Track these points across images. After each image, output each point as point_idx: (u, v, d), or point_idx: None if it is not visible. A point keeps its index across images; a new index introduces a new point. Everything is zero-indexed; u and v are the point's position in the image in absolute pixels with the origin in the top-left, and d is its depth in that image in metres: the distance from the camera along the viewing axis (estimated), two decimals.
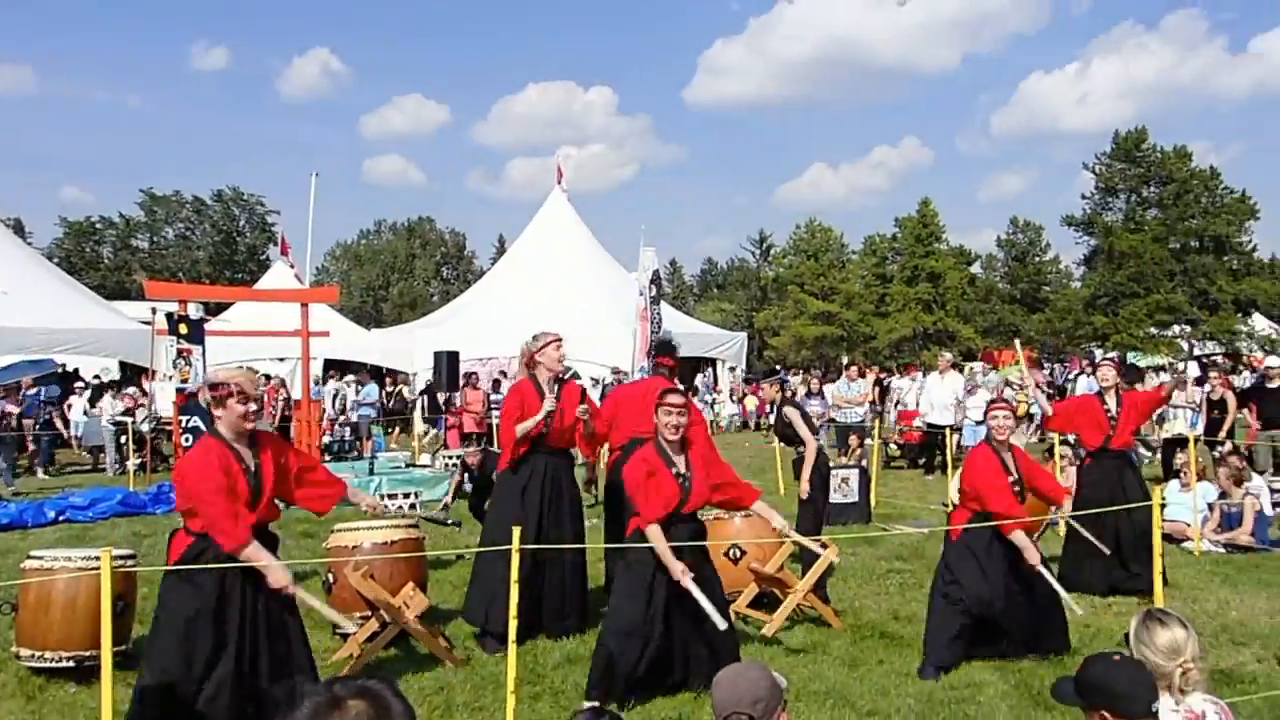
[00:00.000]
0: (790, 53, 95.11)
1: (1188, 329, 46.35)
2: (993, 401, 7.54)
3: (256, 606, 5.01)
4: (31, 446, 18.68)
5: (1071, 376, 26.88)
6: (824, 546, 7.16)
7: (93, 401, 19.35)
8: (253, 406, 5.06)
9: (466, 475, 11.38)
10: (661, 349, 9.01)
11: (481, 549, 7.00)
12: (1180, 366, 28.93)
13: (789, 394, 8.75)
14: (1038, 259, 62.05)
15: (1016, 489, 6.64)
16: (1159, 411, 15.61)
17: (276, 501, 5.29)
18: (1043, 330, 51.11)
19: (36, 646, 6.20)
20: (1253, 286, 48.94)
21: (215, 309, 25.53)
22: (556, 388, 7.19)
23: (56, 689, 6.17)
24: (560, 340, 7.29)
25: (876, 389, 21.82)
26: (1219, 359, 38.73)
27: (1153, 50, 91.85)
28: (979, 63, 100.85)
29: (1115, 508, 8.09)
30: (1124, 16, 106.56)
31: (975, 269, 59.09)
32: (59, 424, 19.36)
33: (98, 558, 5.86)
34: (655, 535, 5.68)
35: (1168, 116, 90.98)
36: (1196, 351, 44.35)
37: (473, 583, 7.18)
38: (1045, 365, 30.54)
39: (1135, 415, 8.85)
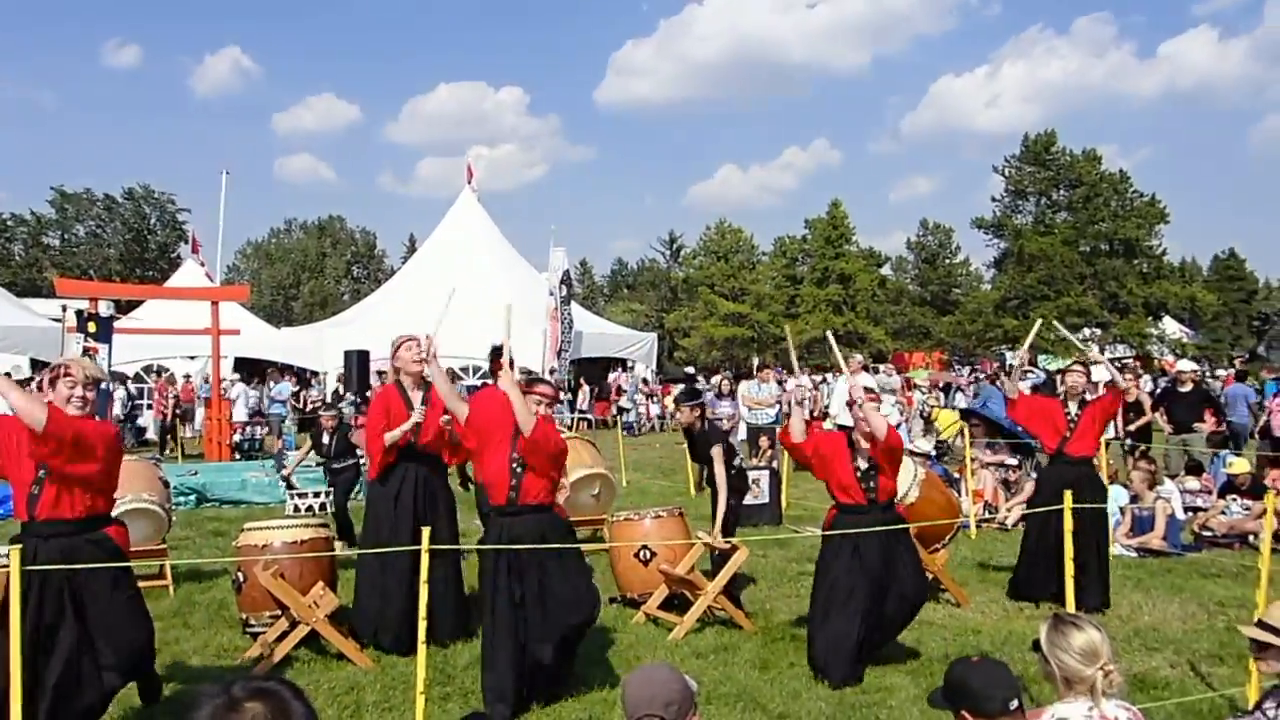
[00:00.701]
0: (701, 53, 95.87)
1: (1098, 332, 46.84)
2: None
3: (81, 601, 4.94)
4: None
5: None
6: (733, 548, 7.29)
7: None
8: (79, 392, 4.94)
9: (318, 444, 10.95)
10: (496, 353, 9.05)
11: (361, 552, 7.03)
12: (1124, 364, 29.31)
13: (708, 423, 8.58)
14: (948, 261, 62.88)
15: (859, 475, 6.49)
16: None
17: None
18: (953, 333, 51.76)
19: None
20: (1163, 290, 49.52)
21: (126, 307, 25.09)
22: (422, 393, 7.12)
23: None
24: (414, 341, 7.12)
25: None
26: (1130, 362, 39.48)
27: (1062, 54, 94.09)
28: (888, 64, 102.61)
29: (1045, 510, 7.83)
30: (1034, 20, 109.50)
31: (886, 271, 59.98)
32: None
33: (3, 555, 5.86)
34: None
35: (1077, 120, 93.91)
36: (1107, 355, 45.20)
37: (357, 600, 7.05)
38: (955, 368, 31.11)
39: (1095, 422, 8.55)
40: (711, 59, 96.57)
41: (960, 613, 7.98)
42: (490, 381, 9.43)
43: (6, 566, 5.78)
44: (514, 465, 5.85)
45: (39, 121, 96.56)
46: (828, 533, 6.57)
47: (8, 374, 4.93)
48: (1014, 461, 12.67)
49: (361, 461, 10.26)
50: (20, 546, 4.77)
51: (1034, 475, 12.57)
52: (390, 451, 7.02)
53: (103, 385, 5.39)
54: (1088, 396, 8.69)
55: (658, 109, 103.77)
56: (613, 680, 6.16)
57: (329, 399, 21.81)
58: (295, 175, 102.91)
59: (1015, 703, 3.12)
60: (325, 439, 10.70)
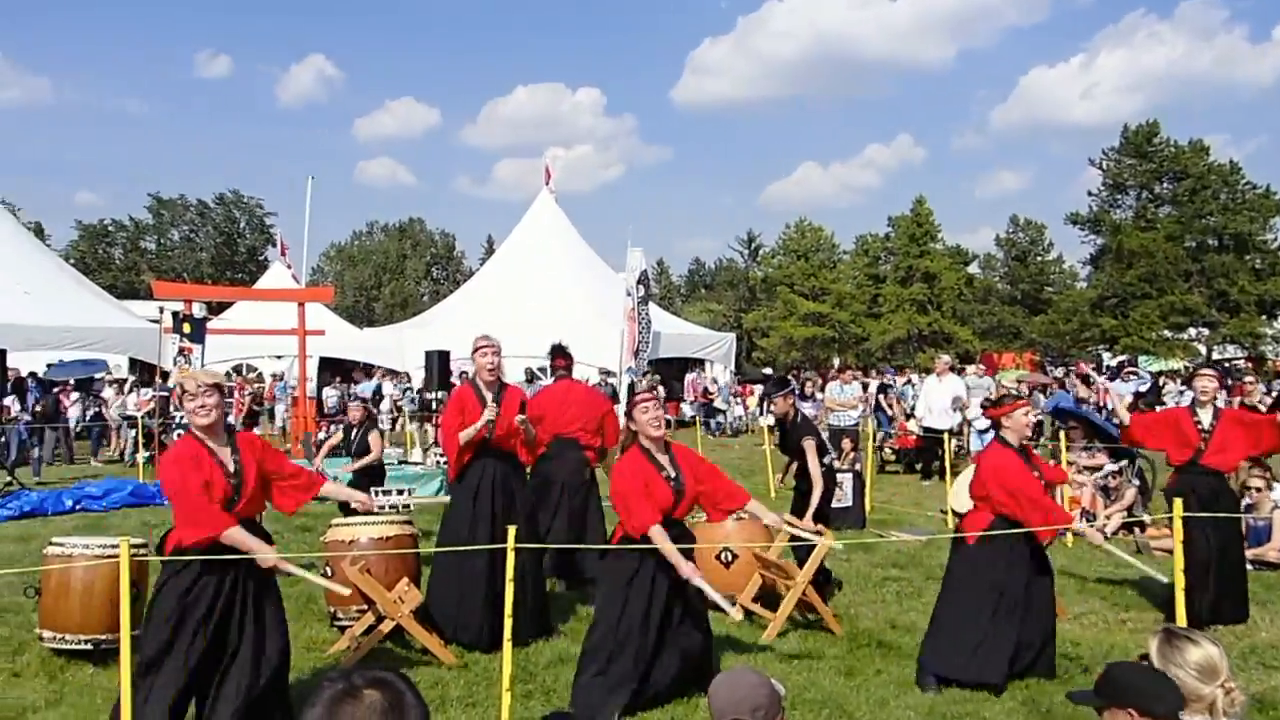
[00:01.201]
0: (780, 51, 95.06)
1: (1205, 332, 45.14)
2: (1016, 398, 6.96)
3: (246, 601, 5.13)
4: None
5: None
6: (820, 534, 7.21)
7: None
8: (198, 402, 5.08)
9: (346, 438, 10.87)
10: (555, 351, 9.30)
11: (439, 550, 7.09)
12: (1236, 367, 27.86)
13: (801, 414, 8.59)
14: (1040, 258, 60.74)
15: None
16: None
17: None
18: (1046, 333, 50.22)
19: (58, 629, 6.47)
20: (1279, 287, 46.92)
21: (217, 308, 25.79)
22: (496, 393, 7.17)
23: (76, 670, 6.41)
24: (491, 348, 7.19)
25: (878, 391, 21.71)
26: (1240, 364, 37.58)
27: (1165, 40, 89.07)
28: (975, 57, 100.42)
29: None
30: (1134, 6, 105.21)
31: (973, 269, 58.71)
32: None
33: (114, 546, 6.09)
34: (659, 536, 5.61)
35: (1181, 109, 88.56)
36: (1215, 355, 43.12)
37: (433, 598, 7.05)
38: (1048, 369, 30.28)
39: (1240, 437, 7.68)
40: (790, 56, 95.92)
41: (1058, 624, 7.77)
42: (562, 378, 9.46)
43: (113, 557, 5.99)
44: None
45: (136, 131, 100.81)
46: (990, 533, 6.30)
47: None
48: (1115, 467, 12.21)
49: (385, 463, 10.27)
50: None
51: (1136, 482, 12.22)
52: (467, 449, 7.08)
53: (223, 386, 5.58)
54: (1219, 404, 8.07)
55: (735, 107, 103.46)
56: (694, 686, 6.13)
57: (412, 398, 22.17)
58: (376, 179, 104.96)
59: (1183, 713, 2.95)
60: (352, 433, 10.66)
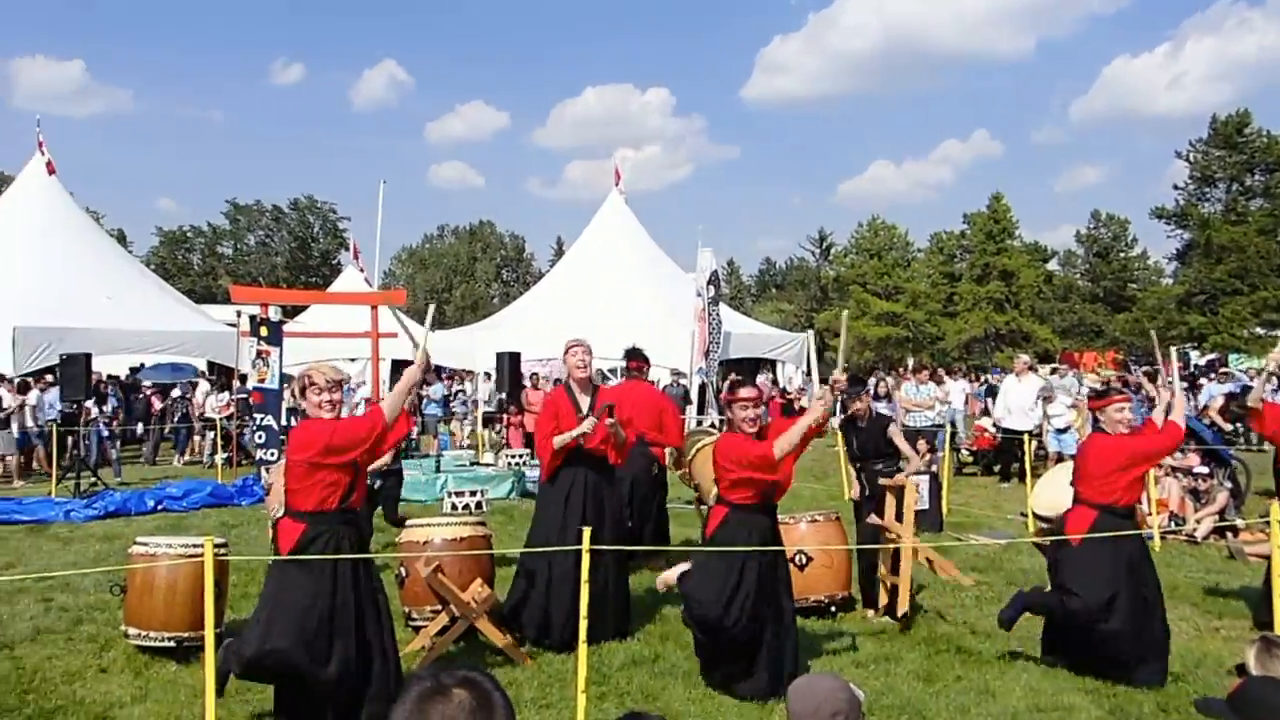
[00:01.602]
0: (851, 47, 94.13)
1: None
2: (1116, 392, 7.04)
3: (361, 589, 5.29)
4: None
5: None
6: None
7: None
8: (326, 397, 5.29)
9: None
10: (630, 354, 9.46)
11: (526, 551, 7.21)
12: None
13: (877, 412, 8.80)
14: (1123, 254, 59.56)
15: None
16: None
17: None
18: (1129, 331, 49.09)
19: (142, 626, 6.61)
20: None
21: (291, 311, 26.21)
22: (590, 396, 7.20)
23: (160, 666, 6.55)
24: (581, 347, 7.27)
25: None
26: None
27: (1257, 27, 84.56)
28: (1055, 48, 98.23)
29: None
30: None
31: (1052, 266, 57.69)
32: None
33: (197, 545, 6.25)
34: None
35: (1273, 98, 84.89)
36: None
37: (521, 600, 7.16)
38: (1132, 368, 29.49)
39: None
40: (862, 52, 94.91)
41: None
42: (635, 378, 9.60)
43: (195, 556, 6.15)
44: None
45: (213, 138, 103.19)
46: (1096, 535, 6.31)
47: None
48: (1204, 470, 11.80)
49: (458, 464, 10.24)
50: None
51: (1228, 484, 11.84)
52: (559, 454, 7.12)
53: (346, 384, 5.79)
54: None
55: (806, 105, 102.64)
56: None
57: (482, 399, 22.33)
58: (446, 182, 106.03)
59: None
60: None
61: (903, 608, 7.38)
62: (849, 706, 2.85)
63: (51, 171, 24.68)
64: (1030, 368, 16.97)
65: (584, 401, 7.18)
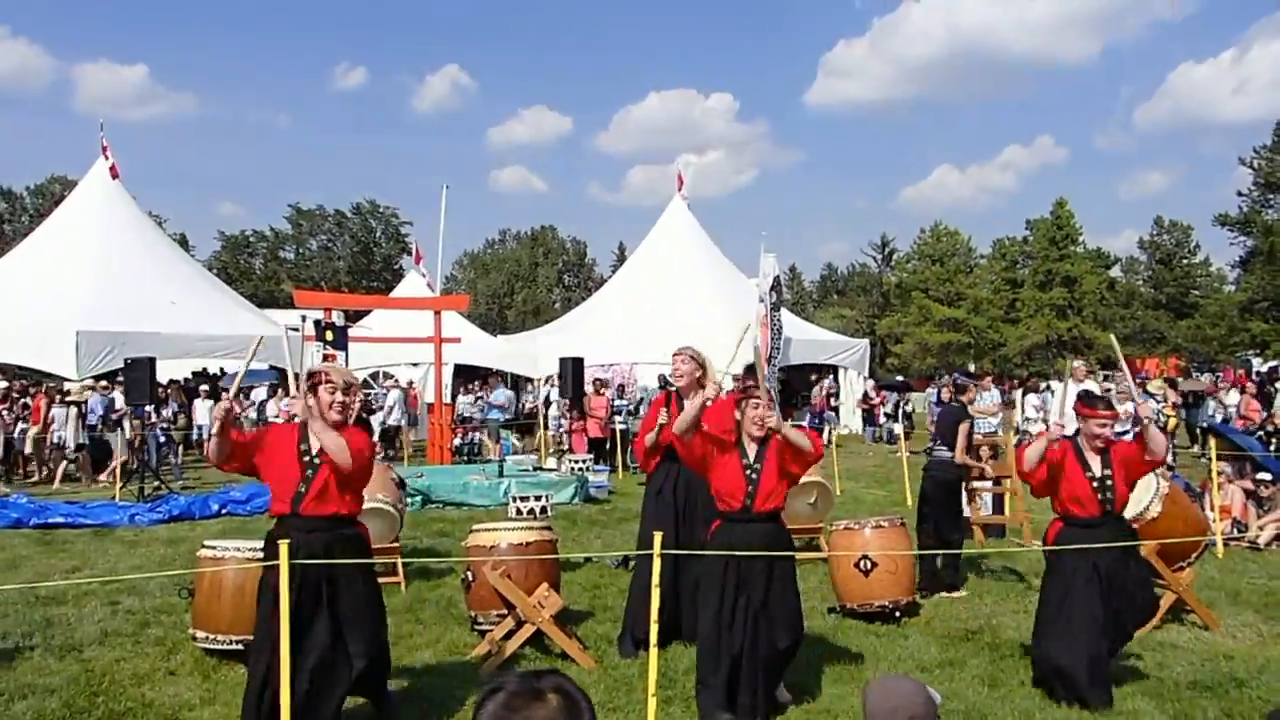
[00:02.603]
0: (916, 52, 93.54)
1: None
2: (1105, 407, 6.64)
3: (336, 592, 5.27)
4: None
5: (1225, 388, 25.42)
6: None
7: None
8: (339, 397, 5.28)
9: None
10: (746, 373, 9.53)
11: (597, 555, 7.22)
12: None
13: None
14: (1186, 261, 58.84)
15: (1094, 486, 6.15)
16: None
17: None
18: (1191, 338, 48.63)
19: (210, 629, 6.69)
20: None
21: (354, 316, 26.47)
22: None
23: (228, 669, 6.60)
24: (678, 353, 7.26)
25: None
26: None
27: None
28: (1120, 54, 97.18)
29: None
30: None
31: (1115, 272, 57.02)
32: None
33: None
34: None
35: None
36: None
37: (630, 601, 7.27)
38: (1196, 374, 29.04)
39: None
40: (927, 57, 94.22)
41: (1209, 636, 7.45)
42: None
43: (257, 559, 6.24)
44: (749, 472, 5.78)
45: (276, 143, 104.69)
46: (1058, 548, 6.17)
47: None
48: (1267, 476, 11.65)
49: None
50: (287, 540, 5.12)
51: None
52: (654, 452, 7.18)
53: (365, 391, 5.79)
54: None
55: (869, 110, 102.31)
56: (833, 693, 6.06)
57: (543, 405, 22.42)
58: (508, 187, 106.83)
59: None
60: None
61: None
62: (925, 711, 2.81)
63: (115, 176, 24.87)
64: (1090, 373, 16.64)
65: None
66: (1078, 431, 6.46)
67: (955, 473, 9.12)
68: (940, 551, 8.66)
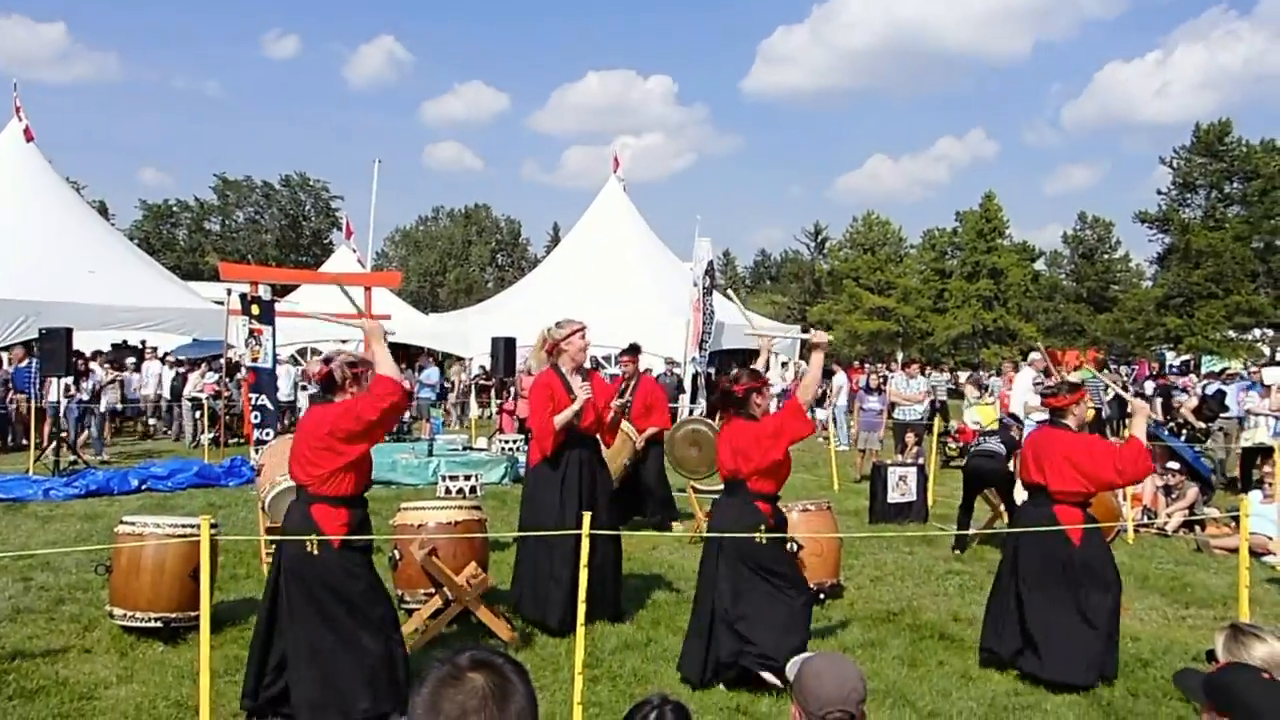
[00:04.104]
0: (854, 41, 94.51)
1: (1270, 333, 44.72)
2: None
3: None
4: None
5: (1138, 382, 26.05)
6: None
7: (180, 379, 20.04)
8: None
9: None
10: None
11: (524, 534, 7.19)
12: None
13: None
14: (1107, 256, 60.23)
15: None
16: (1237, 416, 15.27)
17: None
18: (1110, 331, 49.83)
19: (128, 606, 6.55)
20: None
21: (281, 291, 26.01)
22: (581, 378, 7.16)
23: (146, 647, 6.47)
24: (584, 329, 7.25)
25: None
26: None
27: (1243, 37, 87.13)
28: (1052, 50, 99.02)
29: None
30: (1215, 1, 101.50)
31: (1039, 265, 58.18)
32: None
33: (187, 525, 6.32)
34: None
35: (1256, 109, 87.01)
36: None
37: (519, 580, 7.25)
38: (1111, 368, 29.79)
39: None
40: (865, 46, 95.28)
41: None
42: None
43: (184, 535, 6.22)
44: None
45: (205, 111, 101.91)
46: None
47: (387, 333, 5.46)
48: (1175, 465, 12.11)
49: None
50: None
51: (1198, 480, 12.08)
52: (560, 433, 7.07)
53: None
54: None
55: (807, 98, 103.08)
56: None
57: (473, 384, 22.32)
58: (443, 163, 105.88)
59: None
60: None
61: None
62: (865, 691, 2.81)
63: (30, 138, 24.11)
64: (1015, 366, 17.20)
65: (575, 382, 7.13)
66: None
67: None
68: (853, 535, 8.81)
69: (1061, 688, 5.99)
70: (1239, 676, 2.89)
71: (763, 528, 5.92)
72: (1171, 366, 31.96)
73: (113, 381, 18.49)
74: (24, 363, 17.46)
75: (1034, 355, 16.96)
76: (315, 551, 5.02)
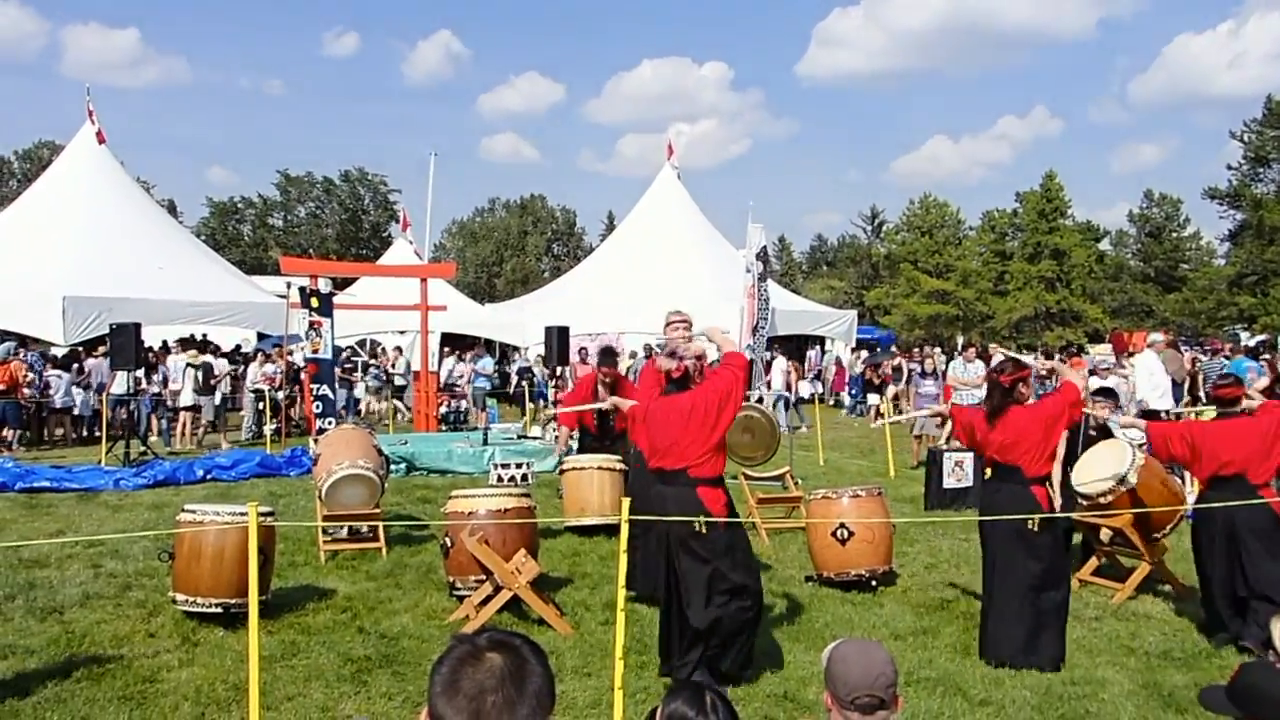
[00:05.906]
0: (910, 21, 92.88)
1: None
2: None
3: None
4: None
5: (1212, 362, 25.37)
6: None
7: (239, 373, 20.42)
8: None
9: None
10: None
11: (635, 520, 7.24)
12: None
13: None
14: (1175, 234, 58.63)
15: None
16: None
17: None
18: (1180, 311, 48.63)
19: (190, 592, 6.71)
20: None
21: (341, 283, 26.41)
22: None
23: (207, 632, 6.65)
24: (677, 321, 7.46)
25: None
26: None
27: None
28: (1117, 25, 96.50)
29: None
30: None
31: (1104, 245, 56.97)
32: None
33: (244, 513, 6.36)
34: None
35: None
36: None
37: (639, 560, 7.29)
38: (1182, 349, 29.16)
39: None
40: (922, 26, 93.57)
41: (1182, 606, 7.54)
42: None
43: (242, 523, 6.28)
44: None
45: (266, 109, 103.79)
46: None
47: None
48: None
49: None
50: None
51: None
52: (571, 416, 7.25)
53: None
54: None
55: (863, 80, 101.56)
56: (808, 659, 6.08)
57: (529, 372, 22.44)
58: (499, 155, 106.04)
59: None
60: None
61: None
62: (896, 677, 2.82)
63: (101, 141, 24.71)
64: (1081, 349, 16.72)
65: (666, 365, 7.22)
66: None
67: None
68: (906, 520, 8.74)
69: (1116, 672, 5.91)
70: (1258, 676, 2.85)
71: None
72: (1246, 347, 31.19)
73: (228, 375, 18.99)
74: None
75: (1154, 337, 16.56)
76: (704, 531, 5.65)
